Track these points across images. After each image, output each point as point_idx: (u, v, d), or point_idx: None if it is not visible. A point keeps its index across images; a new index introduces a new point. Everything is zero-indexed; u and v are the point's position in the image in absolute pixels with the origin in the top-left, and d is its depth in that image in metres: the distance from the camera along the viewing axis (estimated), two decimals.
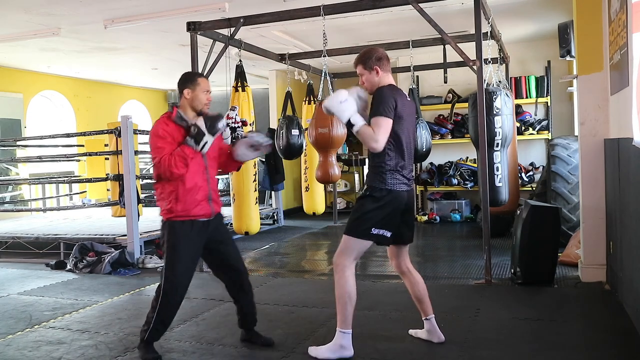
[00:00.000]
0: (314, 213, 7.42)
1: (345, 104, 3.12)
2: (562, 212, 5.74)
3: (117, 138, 6.50)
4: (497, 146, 5.52)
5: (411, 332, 3.54)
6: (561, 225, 5.13)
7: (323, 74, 6.13)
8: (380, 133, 3.06)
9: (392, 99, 3.10)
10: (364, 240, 3.18)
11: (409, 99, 3.30)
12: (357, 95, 3.22)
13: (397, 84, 8.70)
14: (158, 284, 3.34)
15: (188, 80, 3.42)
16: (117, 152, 6.53)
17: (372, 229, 3.14)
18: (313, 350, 3.24)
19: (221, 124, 3.26)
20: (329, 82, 6.71)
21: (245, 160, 3.61)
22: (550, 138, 8.11)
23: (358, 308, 4.13)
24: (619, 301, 4.08)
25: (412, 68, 7.11)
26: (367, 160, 3.35)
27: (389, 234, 3.19)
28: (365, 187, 3.26)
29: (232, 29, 5.63)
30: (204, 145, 3.22)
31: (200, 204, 3.27)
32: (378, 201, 3.15)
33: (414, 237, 3.43)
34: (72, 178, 9.39)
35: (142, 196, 7.24)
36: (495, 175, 5.55)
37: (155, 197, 3.42)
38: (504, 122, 5.47)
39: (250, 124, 5.64)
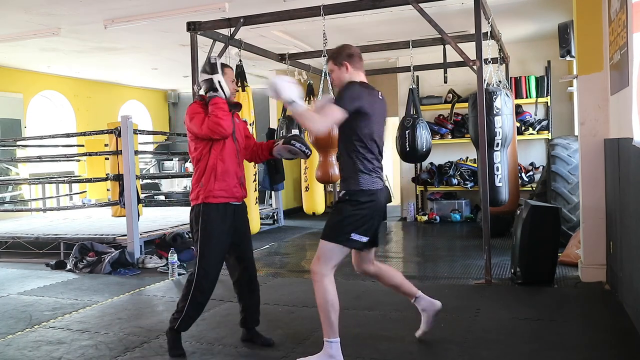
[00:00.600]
0: (313, 213, 7.43)
1: (292, 86, 2.97)
2: (562, 212, 5.74)
3: (117, 138, 6.50)
4: (497, 146, 5.52)
5: (416, 334, 3.45)
6: (561, 225, 5.13)
7: (323, 74, 6.13)
8: (326, 119, 2.94)
9: (357, 94, 3.00)
10: (343, 247, 3.07)
11: (380, 98, 3.17)
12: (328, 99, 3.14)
13: (397, 84, 8.66)
14: (190, 271, 3.41)
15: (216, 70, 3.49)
16: (117, 152, 6.53)
17: (352, 234, 3.03)
18: None
19: (213, 59, 3.39)
20: (329, 82, 6.71)
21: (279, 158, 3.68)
22: (550, 138, 8.11)
23: (358, 308, 4.16)
24: (619, 301, 4.08)
25: (412, 68, 7.12)
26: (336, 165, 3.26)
27: (365, 239, 3.08)
28: (342, 192, 3.14)
29: (232, 29, 5.63)
30: (220, 86, 3.32)
31: (236, 185, 3.38)
32: (357, 204, 3.05)
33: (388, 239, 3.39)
34: (72, 178, 9.39)
35: (142, 196, 7.24)
36: (495, 175, 5.55)
37: (192, 184, 3.47)
38: (504, 122, 5.48)
39: (250, 124, 5.64)
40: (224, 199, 3.33)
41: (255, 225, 5.71)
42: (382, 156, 3.21)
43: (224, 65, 3.51)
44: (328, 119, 2.96)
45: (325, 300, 3.01)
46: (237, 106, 3.53)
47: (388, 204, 4.48)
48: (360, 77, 3.18)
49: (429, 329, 3.42)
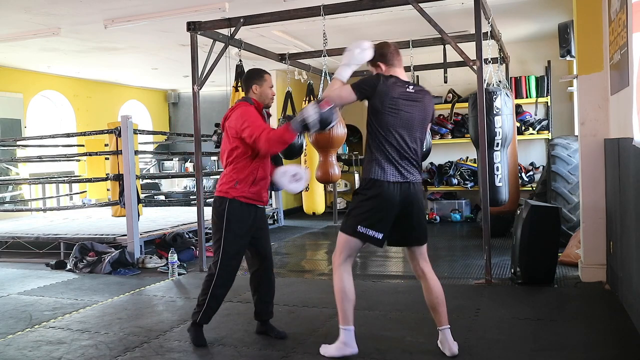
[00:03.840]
0: (314, 213, 7.43)
1: (357, 56, 3.23)
2: (562, 212, 5.74)
3: (117, 138, 6.50)
4: (497, 146, 5.52)
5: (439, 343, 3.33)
6: (561, 225, 5.13)
7: (323, 74, 6.14)
8: (333, 92, 3.12)
9: (371, 82, 3.10)
10: (353, 238, 3.12)
11: (410, 90, 3.15)
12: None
13: None
14: (209, 268, 3.53)
15: (255, 76, 3.60)
16: (117, 152, 6.53)
17: (357, 227, 3.07)
18: (323, 349, 3.27)
19: (329, 120, 3.16)
20: (329, 82, 6.71)
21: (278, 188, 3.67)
22: (550, 138, 8.11)
23: (358, 308, 4.12)
24: (619, 301, 4.08)
25: (412, 68, 7.11)
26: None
27: (379, 235, 3.07)
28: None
29: (232, 29, 5.63)
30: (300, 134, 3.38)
31: (266, 191, 3.56)
32: (364, 195, 3.10)
33: (425, 238, 3.26)
34: (72, 178, 9.39)
35: (142, 196, 7.23)
36: (495, 175, 5.55)
37: (224, 172, 3.52)
38: (504, 122, 5.48)
39: None
40: (253, 201, 3.49)
41: None
42: (413, 150, 3.13)
43: (264, 72, 3.63)
44: (336, 94, 3.12)
45: (338, 288, 3.15)
46: (268, 115, 3.72)
47: None
48: (396, 73, 3.22)
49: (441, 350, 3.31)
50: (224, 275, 3.46)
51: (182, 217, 8.07)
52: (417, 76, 8.89)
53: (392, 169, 3.08)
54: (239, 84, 5.72)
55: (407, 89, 3.17)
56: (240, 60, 5.91)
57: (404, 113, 3.12)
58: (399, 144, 3.11)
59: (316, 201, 7.38)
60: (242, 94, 5.65)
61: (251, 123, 3.36)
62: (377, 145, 3.11)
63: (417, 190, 3.18)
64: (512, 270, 4.97)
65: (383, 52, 3.24)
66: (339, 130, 5.96)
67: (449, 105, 8.93)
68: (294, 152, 6.52)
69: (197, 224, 6.00)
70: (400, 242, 3.26)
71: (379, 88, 3.08)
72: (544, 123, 8.45)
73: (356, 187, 3.22)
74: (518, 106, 8.31)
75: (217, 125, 3.86)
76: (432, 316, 3.28)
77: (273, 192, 9.48)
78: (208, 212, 6.29)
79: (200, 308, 3.49)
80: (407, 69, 7.63)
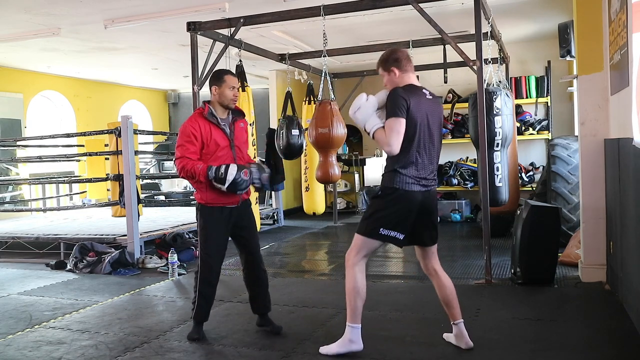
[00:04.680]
0: (314, 213, 7.44)
1: (359, 113, 3.19)
2: (562, 212, 5.74)
3: (117, 138, 6.50)
4: (497, 146, 5.52)
5: (444, 335, 3.46)
6: (561, 225, 5.13)
7: (323, 74, 6.14)
8: (392, 136, 3.05)
9: (402, 99, 3.06)
10: (373, 240, 3.19)
11: (429, 97, 3.23)
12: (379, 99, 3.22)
13: None
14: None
15: (215, 78, 3.62)
16: (117, 152, 6.53)
17: (381, 230, 3.14)
18: (324, 349, 3.28)
19: (239, 189, 3.50)
20: (329, 82, 6.71)
21: None
22: (550, 138, 8.11)
23: None
24: (619, 301, 4.08)
25: None
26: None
27: (400, 236, 3.15)
28: (378, 188, 3.26)
29: (232, 29, 5.64)
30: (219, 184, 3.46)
31: (228, 193, 3.52)
32: (386, 201, 3.14)
33: (437, 238, 3.33)
34: (72, 178, 9.39)
35: (142, 196, 7.23)
36: (496, 175, 5.55)
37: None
38: (504, 122, 5.48)
39: (250, 124, 5.64)
40: (217, 204, 3.57)
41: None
42: (431, 157, 3.20)
43: (224, 73, 3.61)
44: (396, 136, 3.06)
45: (351, 286, 3.23)
46: (239, 113, 3.69)
47: None
48: (410, 79, 3.25)
49: (455, 344, 3.37)
50: (205, 273, 3.59)
51: (182, 217, 8.07)
52: (417, 76, 8.86)
53: (413, 180, 3.13)
54: (239, 84, 5.72)
55: (426, 96, 3.22)
56: (240, 61, 5.91)
57: (426, 122, 3.15)
58: (423, 154, 3.15)
59: (316, 201, 7.39)
60: (243, 94, 5.71)
61: (181, 144, 3.51)
62: (401, 157, 3.10)
63: (434, 195, 3.29)
64: (512, 270, 4.97)
65: (397, 57, 3.24)
66: (339, 130, 5.96)
67: (449, 106, 8.93)
68: (294, 152, 6.54)
69: (196, 224, 5.98)
70: (416, 241, 3.31)
71: (410, 105, 3.07)
72: (544, 123, 8.46)
73: (377, 191, 3.23)
74: (518, 106, 8.31)
75: None
76: (447, 312, 3.36)
77: (273, 193, 9.49)
78: None
79: (193, 306, 3.66)
80: None
